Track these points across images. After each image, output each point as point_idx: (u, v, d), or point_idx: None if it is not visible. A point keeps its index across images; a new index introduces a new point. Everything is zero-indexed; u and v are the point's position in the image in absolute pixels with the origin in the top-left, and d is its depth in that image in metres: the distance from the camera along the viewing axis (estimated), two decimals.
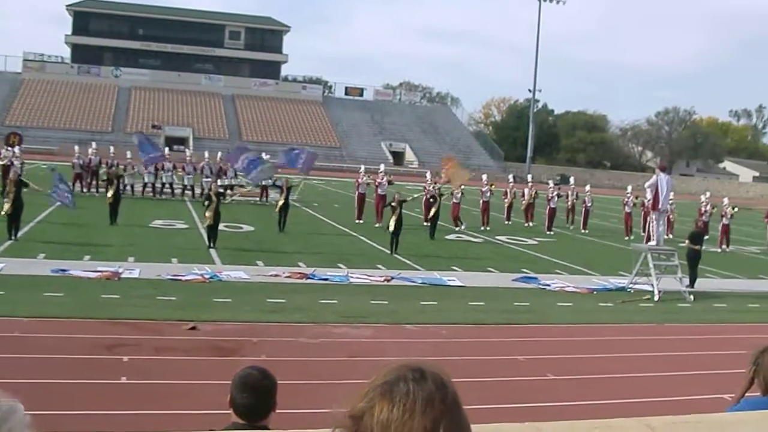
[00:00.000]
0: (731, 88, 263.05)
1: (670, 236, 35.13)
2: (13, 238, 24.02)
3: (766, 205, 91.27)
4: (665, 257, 23.84)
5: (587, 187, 42.41)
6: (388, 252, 26.77)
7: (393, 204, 27.46)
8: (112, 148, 43.47)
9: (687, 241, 25.43)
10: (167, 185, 42.20)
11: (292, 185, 33.06)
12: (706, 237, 30.69)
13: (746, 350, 5.25)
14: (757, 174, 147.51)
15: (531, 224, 40.76)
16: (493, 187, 39.61)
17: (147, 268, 20.84)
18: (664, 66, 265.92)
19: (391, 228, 26.92)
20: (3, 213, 24.37)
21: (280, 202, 30.95)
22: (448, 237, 33.07)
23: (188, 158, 44.18)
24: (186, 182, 42.56)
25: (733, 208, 38.48)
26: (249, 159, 38.43)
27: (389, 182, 37.20)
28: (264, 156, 44.28)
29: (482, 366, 14.08)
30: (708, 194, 39.55)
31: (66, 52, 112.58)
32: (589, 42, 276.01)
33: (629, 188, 44.05)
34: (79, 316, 15.58)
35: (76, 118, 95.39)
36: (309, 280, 20.99)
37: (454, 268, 24.96)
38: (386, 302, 18.90)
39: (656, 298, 22.34)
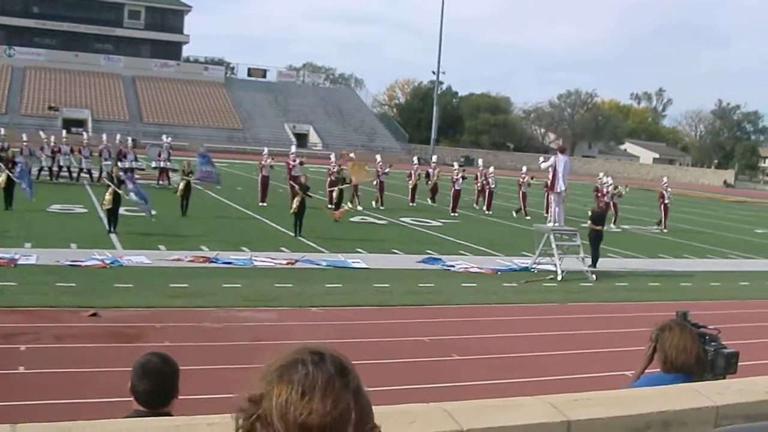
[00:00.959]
0: (632, 71, 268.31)
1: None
2: None
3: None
4: (567, 237, 24.17)
5: (491, 169, 42.76)
6: (292, 235, 26.58)
7: (297, 185, 27.41)
8: (2, 130, 42.37)
9: (589, 222, 25.84)
10: (65, 168, 41.19)
11: (194, 169, 32.54)
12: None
13: (646, 328, 5.29)
14: (657, 156, 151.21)
15: (434, 204, 41.04)
16: (390, 167, 39.97)
17: (45, 255, 20.25)
18: (566, 49, 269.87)
19: (295, 210, 26.72)
20: None
21: (182, 185, 30.46)
22: (352, 219, 33.02)
23: (85, 141, 43.11)
24: (84, 165, 41.55)
25: (615, 188, 39.22)
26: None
27: (301, 163, 37.15)
28: (165, 138, 43.67)
29: (388, 347, 14.07)
30: (607, 177, 40.18)
31: None
32: (492, 25, 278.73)
33: (524, 168, 44.67)
34: None
35: None
36: (212, 264, 20.71)
37: (359, 250, 24.92)
38: (291, 285, 18.76)
39: (559, 277, 22.65)
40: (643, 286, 23.11)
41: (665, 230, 39.04)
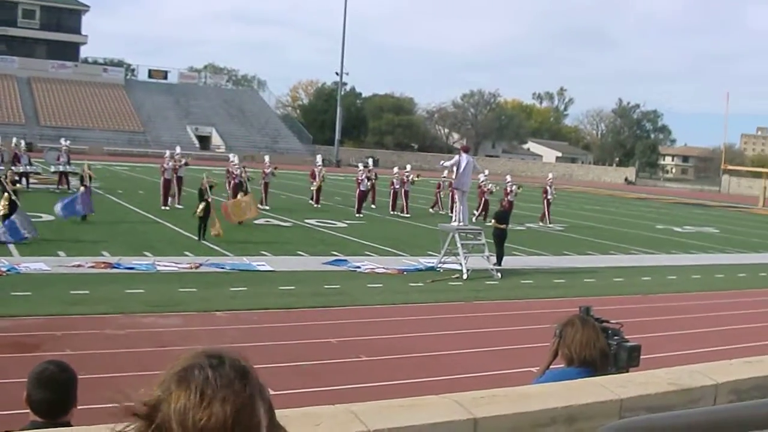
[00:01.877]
0: (534, 72, 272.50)
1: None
2: None
3: (568, 185, 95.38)
4: (472, 236, 24.39)
5: (395, 169, 42.86)
6: (196, 238, 26.29)
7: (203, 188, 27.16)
8: None
9: (493, 221, 26.12)
10: None
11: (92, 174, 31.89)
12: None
13: (551, 324, 5.33)
14: (559, 154, 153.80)
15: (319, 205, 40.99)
16: (276, 169, 39.95)
17: None
18: (469, 50, 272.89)
19: (200, 213, 26.43)
20: None
21: (82, 190, 29.85)
22: (257, 222, 32.77)
23: None
24: None
25: (518, 187, 39.92)
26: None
27: (186, 164, 36.81)
28: (63, 141, 42.82)
29: (295, 350, 13.98)
30: (484, 176, 40.90)
31: None
32: (395, 26, 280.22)
33: (408, 166, 44.99)
34: None
35: None
36: (114, 270, 20.33)
37: (264, 252, 24.75)
38: (195, 290, 18.53)
39: (465, 276, 22.82)
40: (548, 283, 23.41)
41: (550, 225, 39.57)
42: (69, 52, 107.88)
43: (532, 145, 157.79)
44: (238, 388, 1.79)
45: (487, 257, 24.01)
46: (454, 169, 24.74)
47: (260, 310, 17.01)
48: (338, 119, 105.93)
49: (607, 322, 5.47)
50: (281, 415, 1.96)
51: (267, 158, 41.69)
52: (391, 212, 40.41)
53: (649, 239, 38.04)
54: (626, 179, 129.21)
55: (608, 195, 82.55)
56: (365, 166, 42.49)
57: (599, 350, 4.96)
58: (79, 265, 20.37)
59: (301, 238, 28.95)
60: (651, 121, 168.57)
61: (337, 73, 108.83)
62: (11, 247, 22.76)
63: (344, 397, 9.85)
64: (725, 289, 24.58)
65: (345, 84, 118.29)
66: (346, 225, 34.18)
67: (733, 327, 18.92)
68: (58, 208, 28.17)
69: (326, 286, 20.12)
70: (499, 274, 23.71)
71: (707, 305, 21.51)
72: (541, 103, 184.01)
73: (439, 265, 23.98)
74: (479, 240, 24.24)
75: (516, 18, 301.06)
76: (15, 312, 15.42)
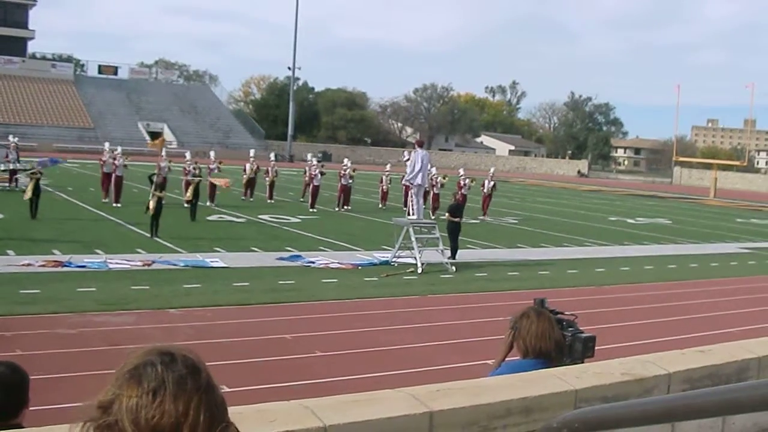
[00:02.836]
0: (486, 65, 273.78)
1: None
2: None
3: (521, 177, 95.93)
4: (426, 230, 24.45)
5: (347, 162, 42.77)
6: (148, 235, 26.08)
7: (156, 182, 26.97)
8: None
9: (447, 214, 26.21)
10: None
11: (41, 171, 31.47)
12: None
13: (506, 317, 5.34)
14: (512, 147, 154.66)
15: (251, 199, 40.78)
16: (221, 164, 39.52)
17: None
18: (423, 43, 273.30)
19: (151, 210, 26.23)
20: None
21: (30, 186, 29.46)
22: (209, 218, 32.64)
23: None
24: None
25: (472, 181, 40.14)
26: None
27: (125, 166, 36.44)
28: (11, 138, 42.23)
29: (249, 347, 13.94)
30: (436, 172, 41.00)
31: None
32: (347, 20, 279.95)
33: (388, 166, 45.15)
34: None
35: None
36: (65, 268, 20.08)
37: (217, 249, 24.63)
38: (148, 287, 18.37)
39: (419, 270, 22.86)
40: (502, 275, 23.53)
41: (487, 219, 39.71)
42: (16, 47, 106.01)
43: (485, 139, 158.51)
44: (190, 386, 1.79)
45: (442, 251, 24.08)
46: (408, 165, 24.84)
47: (214, 307, 16.91)
48: (291, 114, 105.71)
49: (562, 313, 5.50)
50: (235, 412, 1.94)
51: (212, 154, 41.27)
52: (335, 209, 40.03)
53: (603, 231, 38.38)
54: (579, 172, 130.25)
55: (561, 187, 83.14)
56: (318, 161, 42.46)
57: (554, 342, 4.98)
58: (28, 264, 20.11)
59: (254, 234, 28.86)
60: (603, 114, 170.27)
61: (289, 68, 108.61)
62: None
63: (299, 393, 9.83)
64: (678, 280, 24.87)
65: (297, 79, 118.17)
66: (299, 220, 34.11)
67: (685, 317, 19.14)
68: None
69: (280, 282, 20.06)
70: (454, 268, 23.78)
71: (660, 296, 21.73)
72: (493, 96, 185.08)
73: (393, 260, 24.00)
74: (433, 234, 24.32)
75: (469, 10, 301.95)
76: None
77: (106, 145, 38.28)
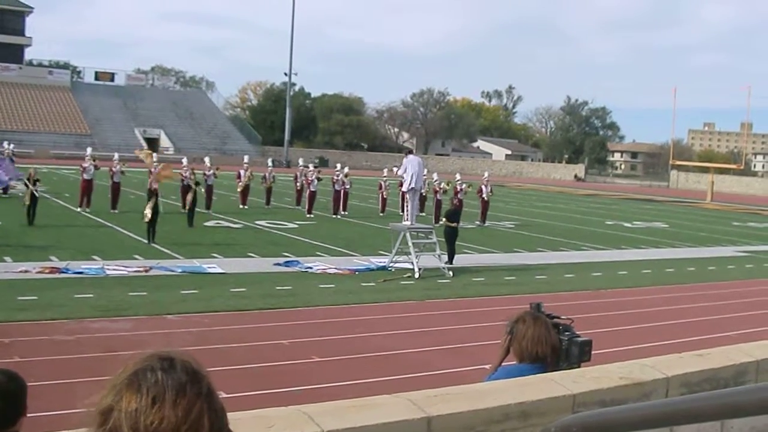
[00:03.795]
0: (482, 70, 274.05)
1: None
2: None
3: (518, 182, 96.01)
4: (423, 235, 24.45)
5: (345, 169, 42.62)
6: (146, 242, 26.08)
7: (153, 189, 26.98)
8: None
9: (444, 219, 26.21)
10: None
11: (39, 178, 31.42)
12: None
13: (503, 321, 5.33)
14: (509, 152, 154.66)
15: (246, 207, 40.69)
16: (218, 170, 39.20)
17: None
18: (419, 49, 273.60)
19: (148, 217, 26.21)
20: None
21: (28, 194, 29.46)
22: (207, 224, 32.63)
23: None
24: None
25: (448, 184, 39.96)
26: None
27: (122, 173, 36.34)
28: (6, 145, 42.21)
29: (246, 352, 13.93)
30: (434, 175, 40.94)
31: None
32: (344, 25, 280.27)
33: (385, 171, 45.12)
34: None
35: None
36: (62, 275, 20.08)
37: (215, 255, 24.63)
38: (145, 293, 18.37)
39: (417, 275, 22.86)
40: (500, 280, 23.53)
41: (485, 224, 39.61)
42: (13, 54, 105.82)
43: (481, 144, 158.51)
44: (190, 391, 1.78)
45: (439, 256, 24.08)
46: (404, 173, 24.86)
47: (211, 313, 16.89)
48: (287, 120, 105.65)
49: (558, 317, 5.50)
50: (233, 417, 1.94)
51: (207, 160, 40.91)
52: (333, 215, 39.90)
53: (600, 235, 38.40)
54: (576, 176, 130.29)
55: (558, 192, 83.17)
56: (315, 167, 42.43)
57: (550, 346, 4.98)
58: (26, 271, 20.09)
59: (251, 240, 28.84)
60: (599, 118, 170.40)
61: (285, 74, 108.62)
62: None
63: (297, 399, 9.84)
64: (675, 284, 24.88)
65: (294, 84, 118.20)
66: (296, 226, 34.10)
67: (683, 320, 19.15)
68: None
69: (278, 288, 20.05)
70: (451, 273, 23.78)
71: (658, 299, 21.74)
72: (490, 101, 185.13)
73: (390, 265, 24.00)
74: (430, 239, 24.32)
75: (465, 15, 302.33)
76: None
77: (88, 150, 38.09)
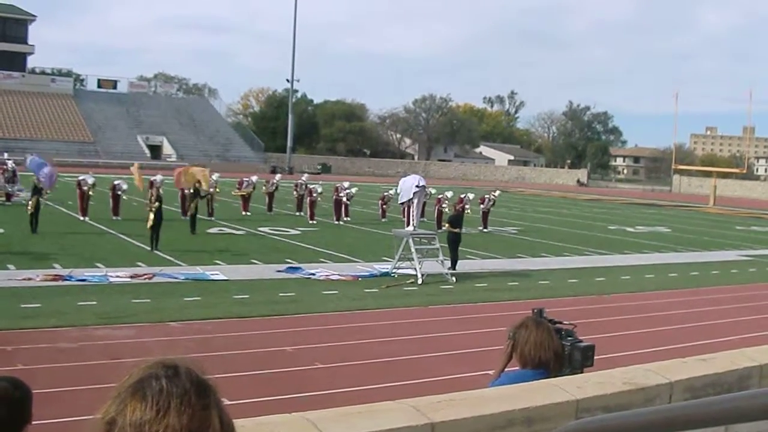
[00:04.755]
0: (484, 75, 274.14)
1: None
2: None
3: (521, 187, 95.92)
4: (426, 241, 24.44)
5: (354, 190, 42.17)
6: (149, 249, 26.08)
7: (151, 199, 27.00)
8: None
9: (447, 225, 26.21)
10: None
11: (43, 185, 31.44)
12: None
13: (507, 327, 5.34)
14: (511, 158, 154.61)
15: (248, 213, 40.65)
16: (216, 190, 39.00)
17: None
18: (421, 55, 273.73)
19: (150, 224, 26.23)
20: None
21: (32, 202, 29.48)
22: (209, 231, 32.63)
23: None
24: None
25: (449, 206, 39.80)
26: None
27: (124, 190, 36.34)
28: (5, 155, 42.21)
29: (250, 359, 13.91)
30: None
31: None
32: (346, 32, 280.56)
33: (392, 191, 45.09)
34: None
35: None
36: (65, 282, 20.09)
37: (217, 262, 24.62)
38: (148, 300, 18.36)
39: (420, 281, 22.84)
40: (503, 286, 23.50)
41: (486, 230, 39.51)
42: (16, 62, 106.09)
43: (484, 149, 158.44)
44: (194, 399, 1.78)
45: (442, 261, 24.06)
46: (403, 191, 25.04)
47: (214, 320, 16.89)
48: (290, 126, 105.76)
49: (560, 323, 5.50)
50: (237, 425, 1.94)
51: (215, 176, 40.46)
52: (335, 221, 39.83)
53: (603, 240, 38.36)
54: (578, 181, 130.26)
55: (561, 197, 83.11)
56: (319, 173, 42.44)
57: (553, 351, 4.98)
58: (29, 279, 20.11)
59: (254, 247, 28.83)
60: (602, 123, 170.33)
61: (288, 80, 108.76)
62: None
63: (301, 406, 9.82)
64: (678, 288, 24.85)
65: (296, 91, 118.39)
66: (299, 232, 34.09)
67: (686, 325, 19.13)
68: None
69: (281, 294, 20.05)
70: (454, 278, 23.76)
71: (661, 304, 21.72)
72: (492, 106, 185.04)
73: (393, 271, 23.98)
74: (433, 244, 24.31)
75: (467, 21, 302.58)
76: None
77: (90, 180, 37.85)
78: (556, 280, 24.98)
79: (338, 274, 23.29)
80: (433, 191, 41.40)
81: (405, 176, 25.61)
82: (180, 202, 35.49)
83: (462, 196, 36.83)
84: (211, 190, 37.36)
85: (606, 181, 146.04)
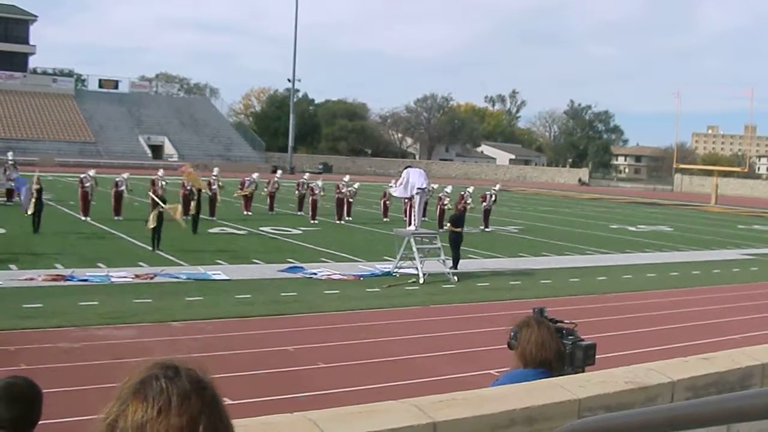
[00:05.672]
0: (486, 75, 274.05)
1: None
2: None
3: (522, 186, 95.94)
4: (428, 240, 24.44)
5: (356, 185, 42.37)
6: (150, 249, 26.09)
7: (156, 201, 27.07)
8: None
9: (448, 224, 26.20)
10: None
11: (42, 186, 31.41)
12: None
13: (508, 326, 5.33)
14: (513, 157, 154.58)
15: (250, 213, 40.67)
16: (221, 187, 38.95)
17: None
18: (423, 54, 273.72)
19: (152, 224, 26.23)
20: None
21: (32, 203, 29.49)
22: (211, 230, 32.64)
23: None
24: None
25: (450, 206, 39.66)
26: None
27: (129, 190, 36.41)
28: (9, 155, 42.15)
29: (252, 359, 13.92)
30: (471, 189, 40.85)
31: None
32: (346, 31, 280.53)
33: (392, 183, 45.07)
34: None
35: None
36: (67, 282, 20.11)
37: (219, 261, 24.63)
38: (150, 300, 18.38)
39: (421, 280, 22.84)
40: (504, 285, 23.50)
41: (487, 229, 39.49)
42: (17, 62, 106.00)
43: (485, 148, 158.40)
44: (195, 399, 1.77)
45: (443, 261, 24.06)
46: (403, 185, 24.84)
47: (216, 320, 16.90)
48: (291, 126, 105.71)
49: (561, 322, 5.51)
50: (239, 425, 1.94)
51: (215, 170, 40.45)
52: (337, 221, 39.82)
53: (604, 239, 38.36)
54: (580, 180, 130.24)
55: (562, 196, 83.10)
56: (320, 173, 42.41)
57: (554, 350, 4.98)
58: (31, 279, 20.12)
59: (256, 246, 28.84)
60: (603, 122, 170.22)
61: (289, 80, 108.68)
62: None
63: (303, 405, 9.83)
64: (680, 287, 24.85)
65: (297, 91, 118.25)
66: (301, 232, 34.09)
67: (688, 324, 19.13)
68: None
69: (283, 294, 20.05)
70: (456, 278, 23.76)
71: (663, 303, 21.71)
72: (493, 106, 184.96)
73: (395, 270, 23.98)
74: (435, 244, 24.30)
75: (468, 20, 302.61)
76: None
77: (91, 172, 37.87)
78: (557, 279, 24.97)
79: (340, 274, 23.30)
80: (434, 186, 41.35)
81: (410, 168, 25.41)
82: (182, 201, 35.40)
83: (462, 193, 36.86)
84: (215, 187, 37.43)
85: (607, 180, 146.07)
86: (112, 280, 20.69)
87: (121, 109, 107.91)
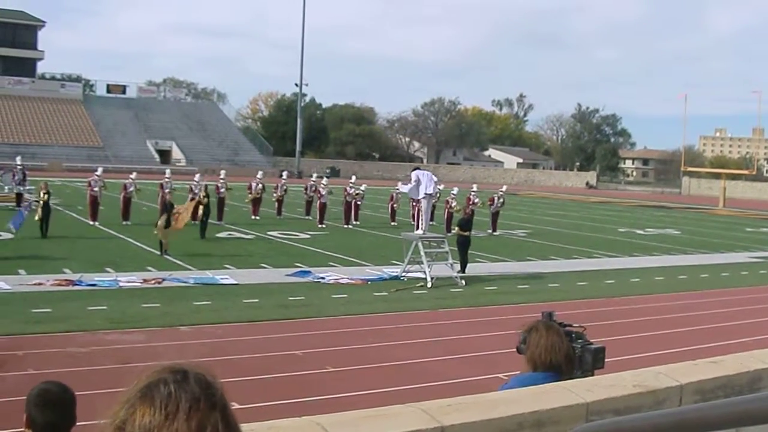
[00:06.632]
0: (493, 78, 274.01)
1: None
2: None
3: (530, 190, 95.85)
4: (436, 244, 24.43)
5: (362, 187, 42.36)
6: (158, 253, 26.11)
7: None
8: None
9: (456, 228, 26.19)
10: None
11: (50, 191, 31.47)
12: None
13: (517, 330, 5.33)
14: (520, 160, 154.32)
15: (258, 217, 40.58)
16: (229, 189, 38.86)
17: None
18: (430, 58, 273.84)
19: (160, 228, 26.23)
20: None
21: (41, 206, 29.54)
22: (219, 235, 32.66)
23: None
24: None
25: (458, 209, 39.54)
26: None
27: (138, 190, 36.46)
28: (18, 160, 42.19)
29: (260, 363, 13.92)
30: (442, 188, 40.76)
31: None
32: (354, 35, 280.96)
33: (399, 184, 45.09)
34: None
35: None
36: (76, 287, 20.13)
37: (227, 266, 24.65)
38: (158, 305, 18.39)
39: (429, 284, 22.83)
40: (512, 289, 23.48)
41: (495, 233, 39.44)
42: (25, 67, 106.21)
43: (493, 152, 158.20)
44: (203, 404, 1.76)
45: (451, 265, 24.04)
46: (414, 186, 24.78)
47: (224, 324, 16.92)
48: (299, 130, 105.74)
49: (570, 325, 5.49)
50: (247, 429, 1.95)
51: (222, 173, 40.42)
52: (345, 225, 39.76)
53: (612, 242, 38.30)
54: (587, 183, 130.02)
55: (570, 200, 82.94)
56: (328, 177, 42.36)
57: (564, 354, 4.96)
58: (40, 283, 20.15)
59: (264, 251, 28.86)
60: (610, 125, 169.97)
61: (296, 85, 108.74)
62: None
63: (311, 410, 9.84)
64: (688, 290, 24.80)
65: (305, 95, 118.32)
66: (309, 236, 34.10)
67: (697, 327, 19.09)
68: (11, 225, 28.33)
69: (290, 298, 20.06)
70: (464, 282, 23.75)
71: (671, 306, 21.67)
72: (500, 109, 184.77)
73: (403, 274, 23.98)
74: (443, 248, 24.29)
75: (475, 24, 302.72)
76: None
77: (99, 170, 37.99)
78: (565, 282, 24.93)
79: (348, 278, 23.30)
80: (441, 187, 41.32)
81: (419, 170, 25.39)
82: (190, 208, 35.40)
83: (469, 195, 36.84)
84: (223, 190, 37.52)
85: (615, 184, 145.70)
86: (121, 284, 20.71)
87: (128, 114, 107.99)
